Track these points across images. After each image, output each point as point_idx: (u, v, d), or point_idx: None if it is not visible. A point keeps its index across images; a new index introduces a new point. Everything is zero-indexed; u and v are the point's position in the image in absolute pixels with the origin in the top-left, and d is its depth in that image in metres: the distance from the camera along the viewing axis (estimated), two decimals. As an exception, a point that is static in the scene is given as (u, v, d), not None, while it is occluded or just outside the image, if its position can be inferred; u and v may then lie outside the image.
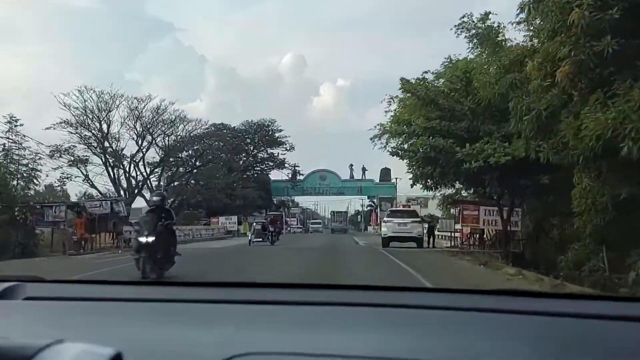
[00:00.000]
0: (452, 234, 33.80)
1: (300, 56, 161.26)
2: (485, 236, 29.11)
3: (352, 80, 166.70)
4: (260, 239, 32.32)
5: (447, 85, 23.76)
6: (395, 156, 25.88)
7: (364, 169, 79.08)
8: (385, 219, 31.84)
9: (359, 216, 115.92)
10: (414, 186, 25.30)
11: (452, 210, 35.55)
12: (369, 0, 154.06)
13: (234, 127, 65.58)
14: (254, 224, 35.59)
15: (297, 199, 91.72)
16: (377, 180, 79.51)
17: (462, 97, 22.70)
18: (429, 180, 23.88)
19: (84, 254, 24.96)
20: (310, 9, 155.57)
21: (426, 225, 32.30)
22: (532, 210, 25.75)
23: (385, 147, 28.10)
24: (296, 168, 73.87)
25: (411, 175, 24.30)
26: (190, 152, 57.66)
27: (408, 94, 24.68)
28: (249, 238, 33.47)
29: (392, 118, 28.30)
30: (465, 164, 20.51)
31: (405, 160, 24.80)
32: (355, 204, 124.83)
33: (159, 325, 1.66)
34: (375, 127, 29.48)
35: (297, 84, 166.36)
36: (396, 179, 78.47)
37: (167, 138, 52.19)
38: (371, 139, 29.47)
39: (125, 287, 2.33)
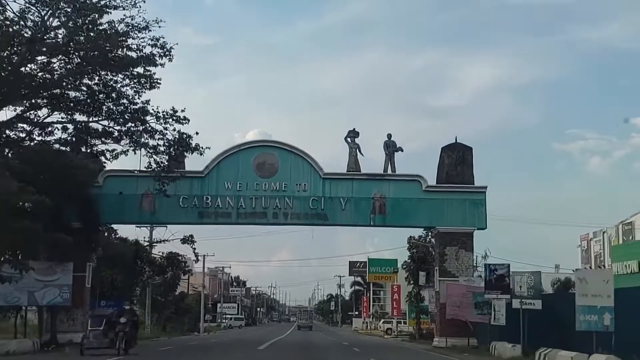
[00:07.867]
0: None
1: (266, 134, 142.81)
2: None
3: (321, 159, 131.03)
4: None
5: None
6: None
7: (393, 148, 29.75)
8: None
9: (332, 302, 68.95)
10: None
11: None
12: (337, 80, 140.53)
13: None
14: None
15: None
16: (431, 182, 29.47)
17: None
18: None
19: None
20: (276, 86, 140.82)
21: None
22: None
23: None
24: (183, 135, 24.65)
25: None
26: None
27: None
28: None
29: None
30: None
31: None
32: (324, 286, 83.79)
33: None
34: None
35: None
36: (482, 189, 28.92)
37: None
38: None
39: None
